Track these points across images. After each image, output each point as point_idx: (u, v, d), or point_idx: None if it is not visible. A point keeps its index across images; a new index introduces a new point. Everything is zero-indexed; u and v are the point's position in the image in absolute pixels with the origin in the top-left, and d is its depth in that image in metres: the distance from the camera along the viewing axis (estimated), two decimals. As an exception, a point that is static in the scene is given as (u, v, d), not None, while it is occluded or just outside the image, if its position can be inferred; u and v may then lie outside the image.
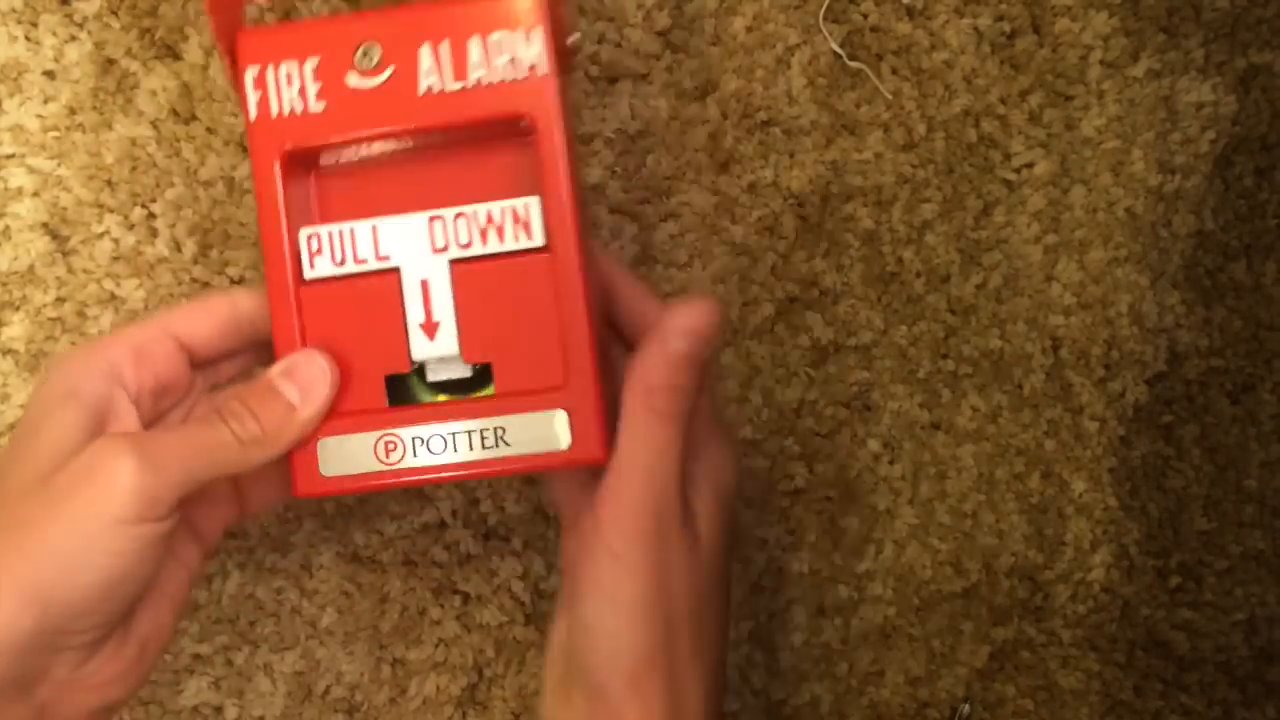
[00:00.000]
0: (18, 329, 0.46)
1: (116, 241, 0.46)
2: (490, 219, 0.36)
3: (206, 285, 0.47)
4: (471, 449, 0.36)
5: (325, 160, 0.38)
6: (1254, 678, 0.59)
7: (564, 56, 0.37)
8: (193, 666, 0.49)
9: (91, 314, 0.46)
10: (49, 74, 0.46)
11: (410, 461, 0.36)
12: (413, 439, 0.36)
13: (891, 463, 0.55)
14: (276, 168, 0.36)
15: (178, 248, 0.47)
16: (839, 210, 0.53)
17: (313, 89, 0.35)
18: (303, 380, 0.35)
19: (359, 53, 0.35)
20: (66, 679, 0.32)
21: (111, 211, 0.46)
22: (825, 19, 0.52)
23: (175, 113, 0.47)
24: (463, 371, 0.37)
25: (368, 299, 0.36)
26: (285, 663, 0.49)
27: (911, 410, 0.55)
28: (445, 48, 0.36)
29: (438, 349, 0.36)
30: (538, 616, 0.52)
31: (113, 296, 0.47)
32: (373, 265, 0.36)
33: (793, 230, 0.52)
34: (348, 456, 0.36)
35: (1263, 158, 0.56)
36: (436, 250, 0.36)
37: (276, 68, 0.35)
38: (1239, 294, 0.57)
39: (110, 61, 0.46)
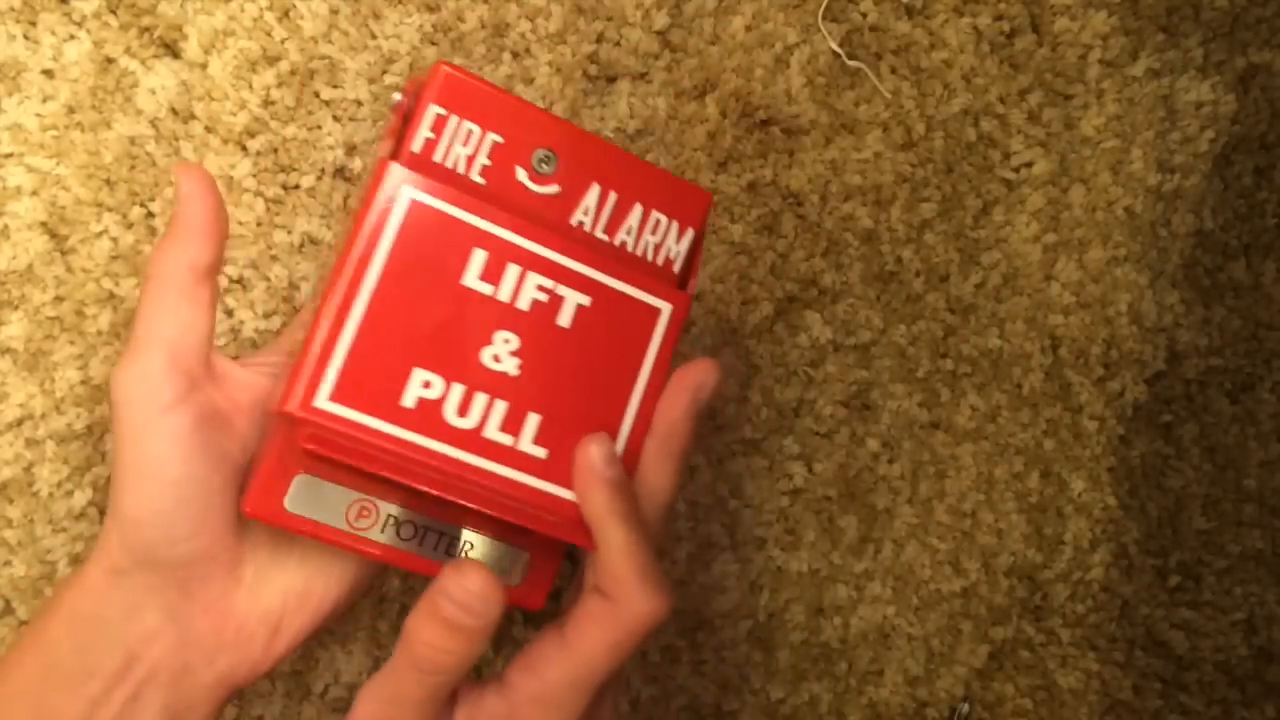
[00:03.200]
0: (16, 328, 0.46)
1: (115, 240, 0.46)
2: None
3: (205, 284, 0.47)
4: (435, 550, 0.36)
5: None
6: (1253, 677, 0.59)
7: (691, 281, 0.37)
8: (191, 666, 0.49)
9: (90, 313, 0.46)
10: (48, 73, 0.46)
11: (374, 535, 0.35)
12: (388, 516, 0.35)
13: (890, 462, 0.55)
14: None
15: (176, 247, 0.47)
16: (838, 209, 0.53)
17: (481, 161, 0.34)
18: None
19: (539, 155, 0.35)
20: (201, 595, 0.34)
21: (110, 210, 0.46)
22: (824, 18, 0.52)
23: (174, 111, 0.46)
24: None
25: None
26: (283, 662, 0.49)
27: (910, 409, 0.55)
28: (613, 197, 0.36)
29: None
30: (536, 617, 0.52)
31: (111, 295, 0.46)
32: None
33: (792, 229, 0.52)
34: (319, 503, 0.35)
35: (1262, 157, 0.56)
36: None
37: (461, 122, 0.34)
38: (1238, 293, 0.57)
39: (109, 60, 0.46)
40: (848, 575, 0.55)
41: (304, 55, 0.47)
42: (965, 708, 0.56)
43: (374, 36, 0.47)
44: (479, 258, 0.34)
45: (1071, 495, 0.57)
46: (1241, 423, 0.57)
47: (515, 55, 0.49)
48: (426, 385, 0.34)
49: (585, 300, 0.35)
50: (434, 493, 0.34)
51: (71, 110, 0.46)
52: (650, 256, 0.36)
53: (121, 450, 0.33)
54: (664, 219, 0.36)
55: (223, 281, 0.48)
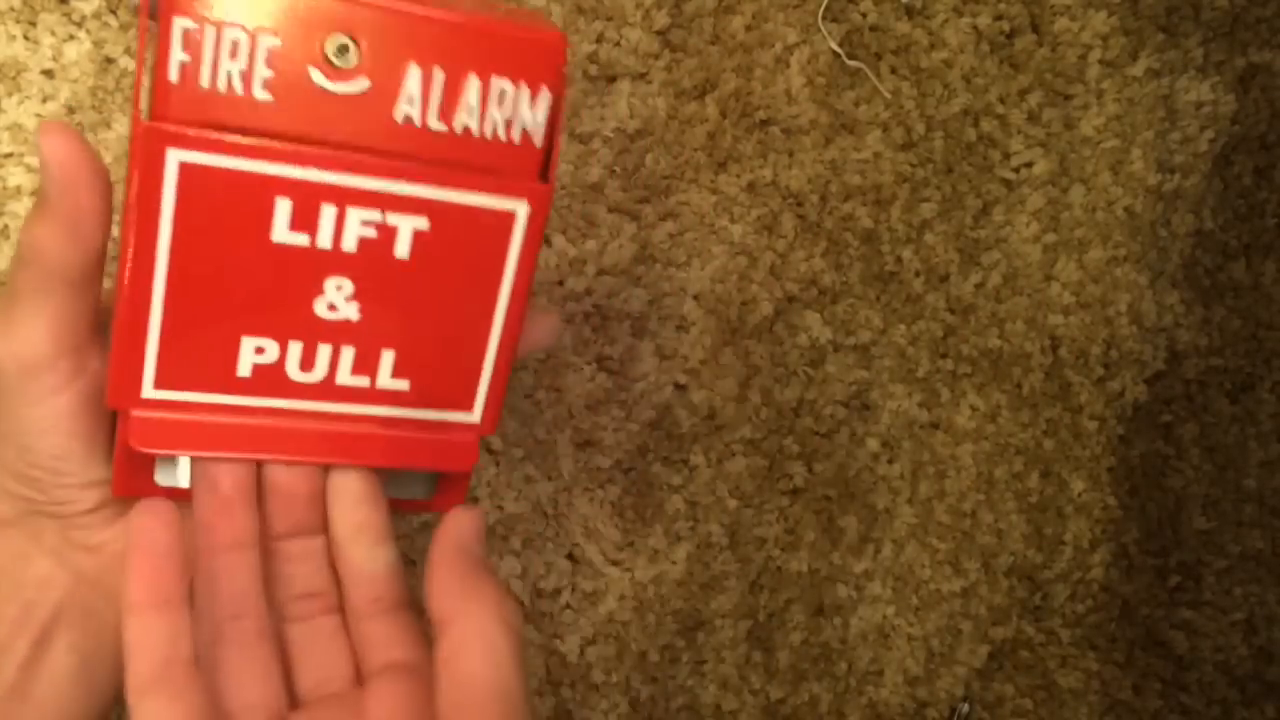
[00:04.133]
0: (16, 328, 0.46)
1: (115, 240, 0.46)
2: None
3: (205, 284, 0.47)
4: None
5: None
6: (1253, 677, 0.59)
7: (553, 157, 0.31)
8: (191, 666, 0.50)
9: (90, 313, 0.46)
10: (48, 73, 0.46)
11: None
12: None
13: (890, 462, 0.55)
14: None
15: (176, 247, 0.47)
16: (838, 209, 0.53)
17: (261, 73, 0.27)
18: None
19: (331, 45, 0.28)
20: (87, 540, 0.34)
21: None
22: (824, 18, 0.52)
23: (174, 112, 0.47)
24: None
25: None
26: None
27: (910, 409, 0.55)
28: (438, 76, 0.29)
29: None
30: (536, 615, 0.52)
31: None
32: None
33: (791, 229, 0.52)
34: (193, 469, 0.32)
35: (1262, 157, 0.56)
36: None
37: (220, 32, 0.27)
38: (1238, 293, 0.57)
39: (109, 60, 0.46)
40: (848, 575, 0.55)
41: (304, 55, 0.47)
42: (965, 708, 0.56)
43: (374, 36, 0.47)
44: (284, 208, 0.29)
45: (1071, 495, 0.57)
46: (1241, 423, 0.57)
47: (515, 55, 0.49)
48: (260, 351, 0.30)
49: (422, 224, 0.30)
50: (299, 460, 0.31)
51: (71, 110, 0.46)
52: (503, 135, 0.30)
53: (2, 416, 0.32)
54: (509, 86, 0.29)
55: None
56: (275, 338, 0.30)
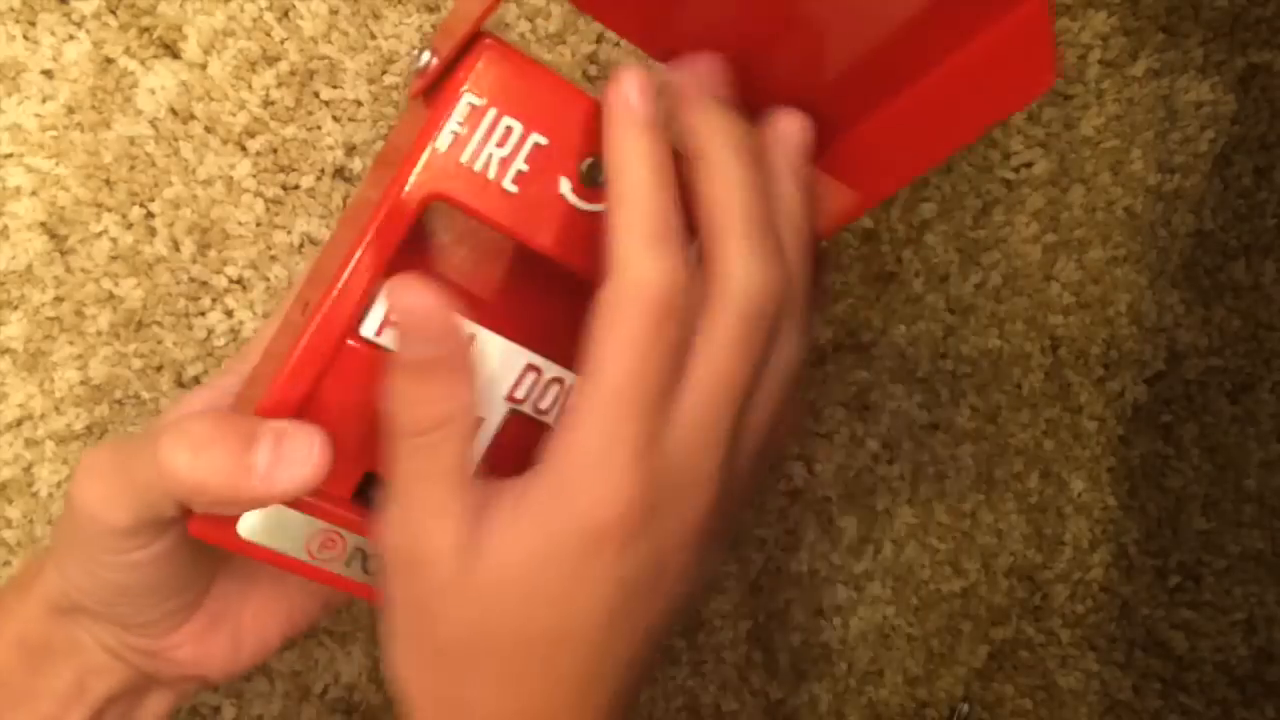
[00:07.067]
0: (16, 328, 0.46)
1: (115, 241, 0.46)
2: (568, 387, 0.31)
3: (205, 285, 0.47)
4: None
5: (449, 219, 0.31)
6: (1253, 677, 0.59)
7: None
8: (191, 666, 0.50)
9: (89, 313, 0.46)
10: (47, 73, 0.46)
11: (336, 568, 0.31)
12: (355, 549, 0.31)
13: (890, 462, 0.55)
14: (415, 207, 0.28)
15: (176, 247, 0.47)
16: (838, 209, 0.53)
17: (518, 166, 0.28)
18: (284, 456, 0.28)
19: (587, 164, 0.29)
20: (149, 648, 0.33)
21: (110, 210, 0.46)
22: (824, 18, 0.52)
23: (174, 111, 0.46)
24: None
25: None
26: (283, 662, 0.49)
27: (910, 410, 0.55)
28: None
29: None
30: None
31: (111, 296, 0.46)
32: None
33: (791, 229, 0.52)
34: (276, 530, 0.30)
35: (1262, 157, 0.56)
36: (509, 398, 0.30)
37: (500, 117, 0.28)
38: (1238, 293, 0.57)
39: (109, 60, 0.46)
40: (848, 575, 0.55)
41: (304, 55, 0.47)
42: (965, 708, 0.56)
43: (373, 37, 0.47)
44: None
45: (1071, 495, 0.57)
46: (1241, 423, 0.57)
47: (515, 55, 0.49)
48: None
49: None
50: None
51: (71, 110, 0.46)
52: None
53: (75, 545, 0.30)
54: None
55: (222, 282, 0.48)
56: None
